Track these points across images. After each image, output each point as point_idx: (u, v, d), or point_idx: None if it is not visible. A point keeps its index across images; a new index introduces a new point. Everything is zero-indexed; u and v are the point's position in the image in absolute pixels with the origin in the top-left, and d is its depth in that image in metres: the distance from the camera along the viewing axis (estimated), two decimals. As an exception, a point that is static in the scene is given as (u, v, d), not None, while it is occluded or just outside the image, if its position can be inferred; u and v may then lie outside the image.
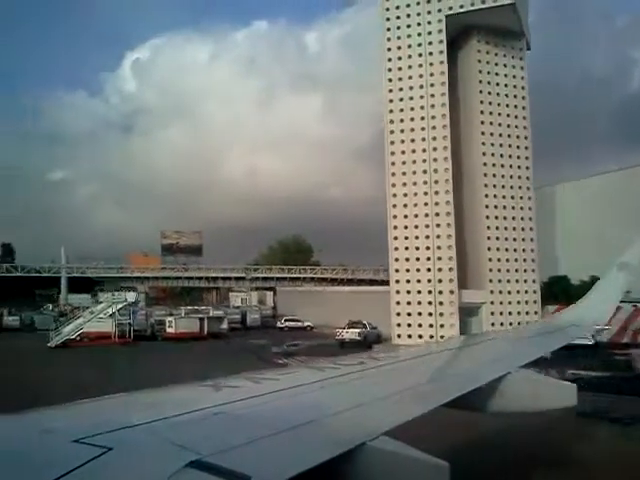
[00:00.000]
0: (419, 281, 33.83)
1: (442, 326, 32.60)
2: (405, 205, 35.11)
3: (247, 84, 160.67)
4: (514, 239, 35.21)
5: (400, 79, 36.01)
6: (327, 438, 2.46)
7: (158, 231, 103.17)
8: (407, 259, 34.69)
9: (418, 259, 34.28)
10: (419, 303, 33.60)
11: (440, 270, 33.51)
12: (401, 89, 35.94)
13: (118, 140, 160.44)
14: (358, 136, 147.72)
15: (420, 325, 33.28)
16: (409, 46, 35.96)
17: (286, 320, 54.47)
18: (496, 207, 35.13)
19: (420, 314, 33.49)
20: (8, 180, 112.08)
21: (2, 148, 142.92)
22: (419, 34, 35.66)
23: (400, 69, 36.09)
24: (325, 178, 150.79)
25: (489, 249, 34.44)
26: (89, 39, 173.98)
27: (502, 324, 33.36)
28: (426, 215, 34.39)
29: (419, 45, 35.64)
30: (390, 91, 36.17)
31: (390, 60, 36.43)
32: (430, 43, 35.36)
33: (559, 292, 37.80)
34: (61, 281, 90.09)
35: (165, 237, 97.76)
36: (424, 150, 34.91)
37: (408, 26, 36.07)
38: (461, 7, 34.41)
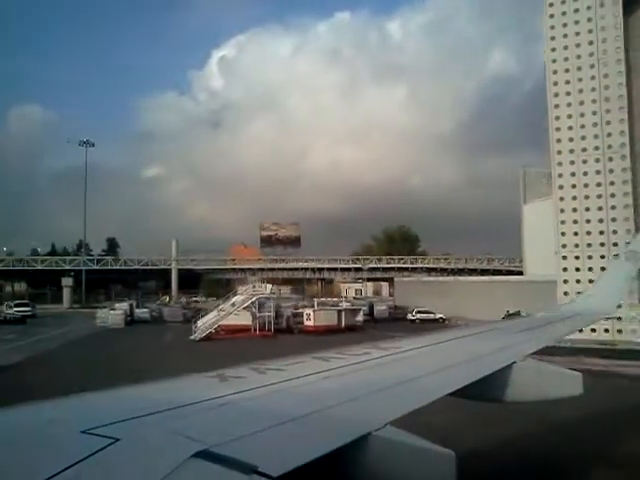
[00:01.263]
0: (591, 269, 30.82)
1: (619, 319, 29.49)
2: (573, 186, 32.17)
3: (330, 76, 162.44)
4: None
5: (564, 25, 33.45)
6: (332, 428, 2.45)
7: (246, 224, 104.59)
8: (576, 245, 31.86)
9: (590, 245, 31.33)
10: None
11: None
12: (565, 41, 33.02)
13: (207, 136, 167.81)
14: (442, 124, 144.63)
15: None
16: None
17: (417, 312, 52.37)
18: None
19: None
20: (110, 178, 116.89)
21: (104, 148, 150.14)
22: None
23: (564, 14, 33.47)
24: (408, 167, 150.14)
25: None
26: (179, 40, 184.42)
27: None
28: (598, 197, 31.33)
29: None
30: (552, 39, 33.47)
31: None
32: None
33: None
34: (172, 273, 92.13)
35: (264, 229, 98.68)
36: (594, 113, 32.08)
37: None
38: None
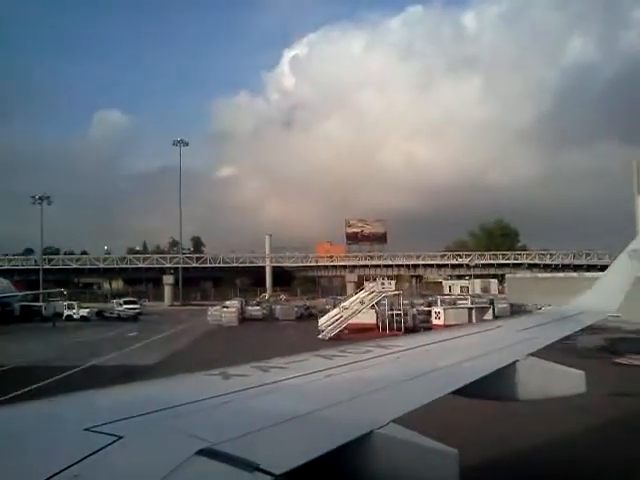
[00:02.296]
0: None
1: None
2: None
3: (403, 71, 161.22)
4: None
5: None
6: (335, 426, 2.45)
7: (320, 221, 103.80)
8: None
9: None
10: None
11: None
12: None
13: (280, 135, 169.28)
14: (518, 117, 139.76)
15: None
16: None
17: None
18: None
19: None
20: (187, 178, 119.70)
21: (183, 152, 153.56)
22: None
23: None
24: (486, 161, 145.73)
25: None
26: (251, 41, 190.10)
27: None
28: None
29: None
30: None
31: None
32: None
33: None
34: (265, 270, 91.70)
35: (349, 226, 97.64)
36: None
37: None
38: None
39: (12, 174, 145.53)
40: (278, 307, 56.10)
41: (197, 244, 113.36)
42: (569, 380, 4.10)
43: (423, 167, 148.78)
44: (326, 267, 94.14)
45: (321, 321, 38.93)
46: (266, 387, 2.96)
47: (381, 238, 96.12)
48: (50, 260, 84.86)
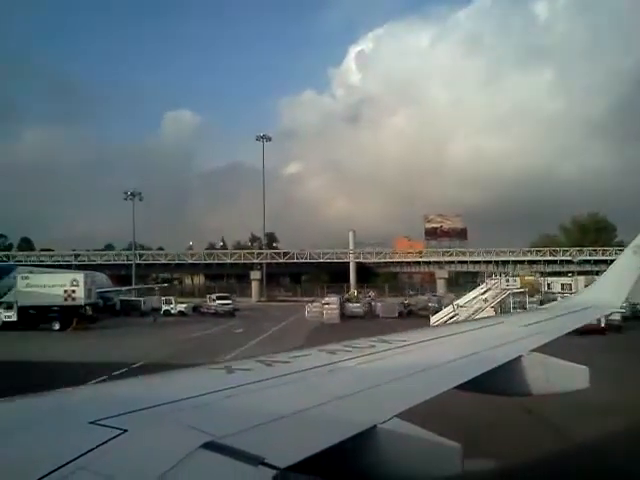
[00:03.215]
0: None
1: None
2: None
3: (471, 64, 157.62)
4: None
5: None
6: (338, 421, 2.46)
7: (389, 216, 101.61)
8: None
9: None
10: None
11: None
12: None
13: (346, 131, 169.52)
14: (592, 108, 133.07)
15: None
16: None
17: None
18: None
19: None
20: (255, 176, 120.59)
21: (247, 148, 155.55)
22: None
23: None
24: (558, 154, 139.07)
25: None
26: (317, 39, 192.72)
27: None
28: None
29: None
30: None
31: None
32: None
33: None
34: (350, 266, 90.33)
35: (428, 221, 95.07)
36: None
37: None
38: None
39: (91, 173, 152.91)
40: (379, 304, 54.41)
41: (271, 240, 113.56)
42: (573, 375, 4.08)
43: (492, 161, 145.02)
44: (408, 263, 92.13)
45: (433, 319, 37.23)
46: (270, 381, 2.95)
47: (461, 233, 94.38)
48: (141, 255, 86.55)
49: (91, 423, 2.02)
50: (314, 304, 50.77)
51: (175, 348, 28.18)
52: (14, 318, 40.80)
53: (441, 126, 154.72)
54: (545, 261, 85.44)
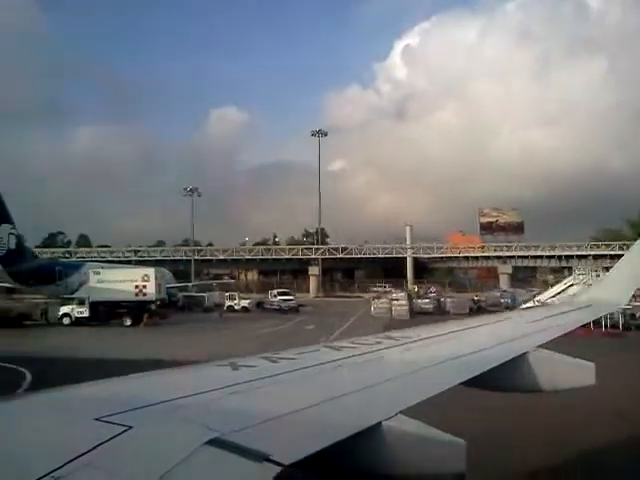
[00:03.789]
0: None
1: None
2: None
3: (521, 56, 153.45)
4: None
5: None
6: (343, 417, 2.47)
7: (436, 212, 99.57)
8: None
9: None
10: None
11: None
12: None
13: (391, 127, 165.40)
14: None
15: None
16: None
17: None
18: None
19: None
20: (298, 173, 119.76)
21: (292, 145, 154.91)
22: None
23: None
24: (608, 148, 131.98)
25: None
26: (362, 33, 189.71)
27: None
28: None
29: None
30: None
31: None
32: None
33: None
34: (406, 262, 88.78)
35: (483, 215, 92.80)
36: None
37: None
38: None
39: (140, 171, 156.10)
40: (449, 300, 52.69)
41: (322, 236, 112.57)
42: (579, 372, 4.03)
43: (542, 155, 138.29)
44: (467, 258, 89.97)
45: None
46: (275, 378, 2.95)
47: (518, 228, 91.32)
48: (199, 251, 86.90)
49: (96, 420, 2.02)
50: (380, 300, 49.46)
51: (256, 344, 27.33)
52: (86, 314, 40.42)
53: (490, 120, 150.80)
54: (612, 256, 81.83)
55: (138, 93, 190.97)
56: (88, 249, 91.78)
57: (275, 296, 59.80)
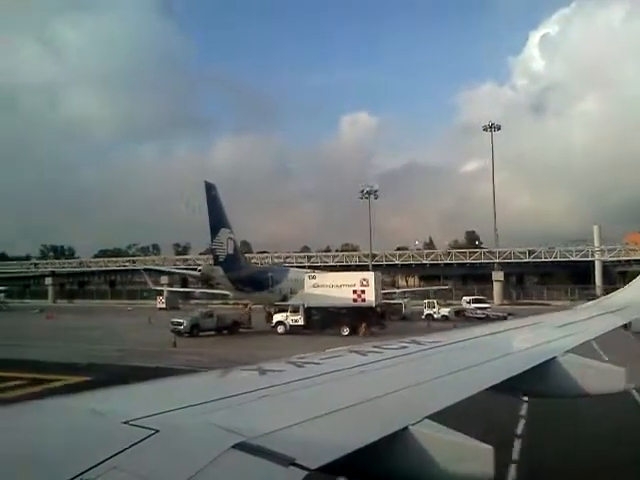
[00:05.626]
0: None
1: None
2: None
3: None
4: None
5: None
6: (369, 422, 2.47)
7: (578, 213, 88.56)
8: None
9: None
10: None
11: None
12: None
13: (528, 122, 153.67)
14: None
15: None
16: None
17: None
18: None
19: None
20: (430, 174, 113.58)
21: (422, 147, 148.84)
22: None
23: None
24: None
25: None
26: (493, 28, 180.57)
27: None
28: None
29: None
30: None
31: None
32: None
33: None
34: (595, 266, 78.71)
35: None
36: None
37: None
38: None
39: (276, 178, 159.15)
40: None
41: (471, 239, 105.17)
42: (608, 377, 4.00)
43: None
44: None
45: None
46: (301, 382, 2.98)
47: None
48: (374, 255, 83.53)
49: (125, 423, 2.05)
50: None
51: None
52: (301, 322, 37.71)
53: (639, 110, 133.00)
54: None
55: (272, 104, 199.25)
56: (249, 255, 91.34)
57: (468, 303, 54.60)
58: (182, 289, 77.62)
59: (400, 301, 54.06)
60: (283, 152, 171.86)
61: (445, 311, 52.34)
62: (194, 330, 36.37)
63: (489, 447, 2.32)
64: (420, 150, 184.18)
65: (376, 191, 75.84)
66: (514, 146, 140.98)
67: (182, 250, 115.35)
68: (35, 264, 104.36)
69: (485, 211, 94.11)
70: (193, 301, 71.84)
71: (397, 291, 60.02)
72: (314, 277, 39.60)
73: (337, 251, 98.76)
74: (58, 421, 2.21)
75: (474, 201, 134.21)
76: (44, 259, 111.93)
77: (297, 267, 61.64)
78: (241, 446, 1.92)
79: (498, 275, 76.62)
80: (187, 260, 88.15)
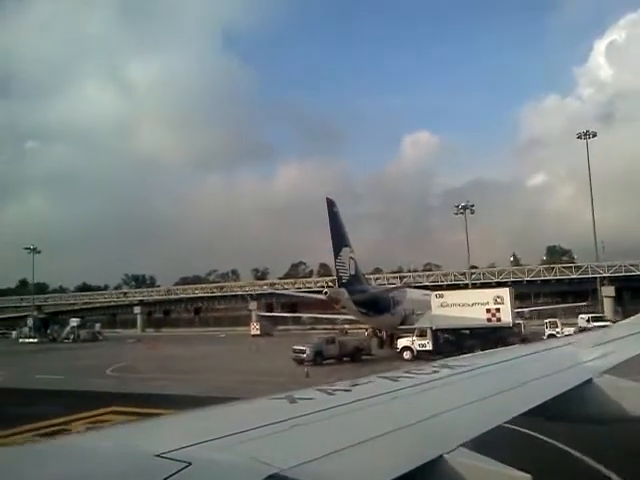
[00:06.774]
0: None
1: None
2: None
3: None
4: None
5: None
6: (403, 451, 2.41)
7: None
8: None
9: None
10: None
11: None
12: None
13: (597, 132, 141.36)
14: None
15: None
16: None
17: None
18: None
19: None
20: (496, 190, 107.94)
21: (487, 163, 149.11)
22: None
23: None
24: None
25: None
26: (555, 41, 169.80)
27: None
28: None
29: None
30: None
31: None
32: None
33: None
34: None
35: None
36: None
37: None
38: None
39: (338, 201, 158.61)
40: None
41: (552, 252, 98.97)
42: None
43: None
44: None
45: None
46: (332, 410, 2.91)
47: None
48: (471, 274, 79.39)
49: (157, 456, 2.02)
50: None
51: None
52: (429, 347, 34.19)
53: None
54: None
55: (335, 129, 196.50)
56: (329, 278, 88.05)
57: (588, 322, 49.83)
58: (291, 314, 77.11)
59: (520, 321, 50.04)
60: (346, 174, 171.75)
61: (569, 331, 48.01)
62: (317, 358, 33.66)
63: (527, 476, 2.26)
64: (484, 166, 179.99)
65: (472, 206, 71.65)
66: (582, 158, 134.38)
67: (261, 275, 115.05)
68: (124, 293, 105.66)
69: (562, 225, 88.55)
70: (280, 327, 71.88)
71: (526, 310, 55.23)
72: (442, 296, 36.26)
73: (409, 271, 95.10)
74: (90, 454, 2.20)
75: (546, 215, 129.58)
76: (128, 288, 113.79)
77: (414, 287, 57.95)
78: (274, 478, 1.89)
79: (608, 290, 70.55)
80: (274, 284, 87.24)
